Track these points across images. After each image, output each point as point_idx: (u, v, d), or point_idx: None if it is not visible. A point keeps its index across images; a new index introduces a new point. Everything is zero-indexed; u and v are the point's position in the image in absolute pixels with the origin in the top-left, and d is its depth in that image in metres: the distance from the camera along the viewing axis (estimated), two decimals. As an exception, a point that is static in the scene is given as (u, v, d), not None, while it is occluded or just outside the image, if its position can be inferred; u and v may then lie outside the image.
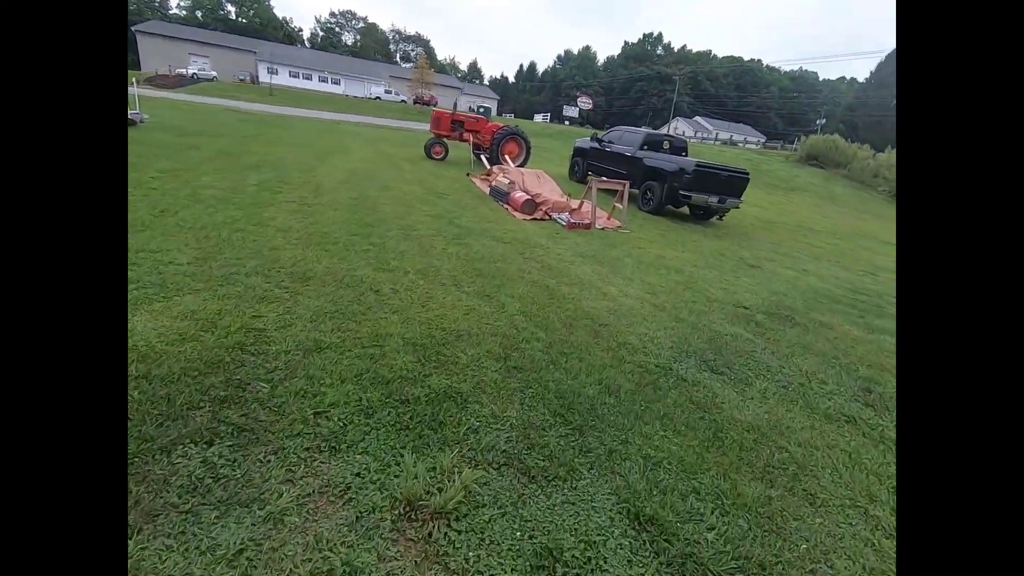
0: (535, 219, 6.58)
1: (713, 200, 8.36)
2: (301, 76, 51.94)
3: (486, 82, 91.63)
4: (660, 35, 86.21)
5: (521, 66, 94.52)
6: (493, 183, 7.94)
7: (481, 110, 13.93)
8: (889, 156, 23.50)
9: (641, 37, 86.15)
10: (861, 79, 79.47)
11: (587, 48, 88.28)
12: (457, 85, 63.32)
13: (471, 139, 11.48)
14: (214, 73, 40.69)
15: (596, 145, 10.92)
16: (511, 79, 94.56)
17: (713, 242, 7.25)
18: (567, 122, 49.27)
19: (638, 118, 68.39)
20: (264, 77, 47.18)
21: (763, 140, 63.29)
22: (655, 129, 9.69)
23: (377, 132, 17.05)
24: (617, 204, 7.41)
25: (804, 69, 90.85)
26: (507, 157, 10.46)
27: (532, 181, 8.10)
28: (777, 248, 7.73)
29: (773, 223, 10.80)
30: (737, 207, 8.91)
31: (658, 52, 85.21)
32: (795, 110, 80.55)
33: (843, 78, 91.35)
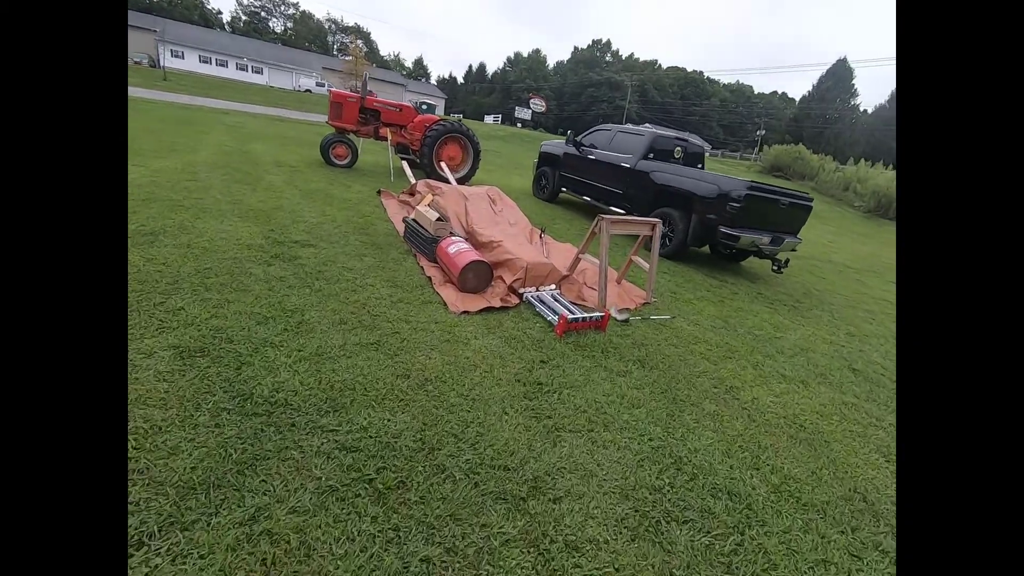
0: (490, 308, 3.07)
1: (765, 241, 5.31)
2: (214, 62, 45.09)
3: (433, 81, 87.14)
4: (609, 42, 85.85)
5: (470, 66, 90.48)
6: (411, 216, 4.35)
7: (424, 107, 10.57)
8: (857, 169, 22.46)
9: (591, 43, 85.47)
10: (791, 94, 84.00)
11: (537, 51, 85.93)
12: (401, 81, 58.57)
13: (391, 137, 7.77)
14: (94, 51, 33.47)
15: (573, 151, 7.62)
16: (460, 79, 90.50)
17: (805, 329, 4.11)
18: (519, 124, 46.23)
19: (589, 123, 66.64)
20: (167, 61, 40.13)
21: (709, 148, 64.00)
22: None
23: (273, 126, 12.76)
24: (635, 258, 4.09)
25: (740, 82, 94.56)
26: (444, 165, 6.89)
27: (483, 213, 4.58)
28: (877, 322, 4.77)
29: (807, 260, 8.05)
30: (794, 250, 5.95)
31: (607, 59, 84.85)
32: (734, 121, 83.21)
33: (775, 92, 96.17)
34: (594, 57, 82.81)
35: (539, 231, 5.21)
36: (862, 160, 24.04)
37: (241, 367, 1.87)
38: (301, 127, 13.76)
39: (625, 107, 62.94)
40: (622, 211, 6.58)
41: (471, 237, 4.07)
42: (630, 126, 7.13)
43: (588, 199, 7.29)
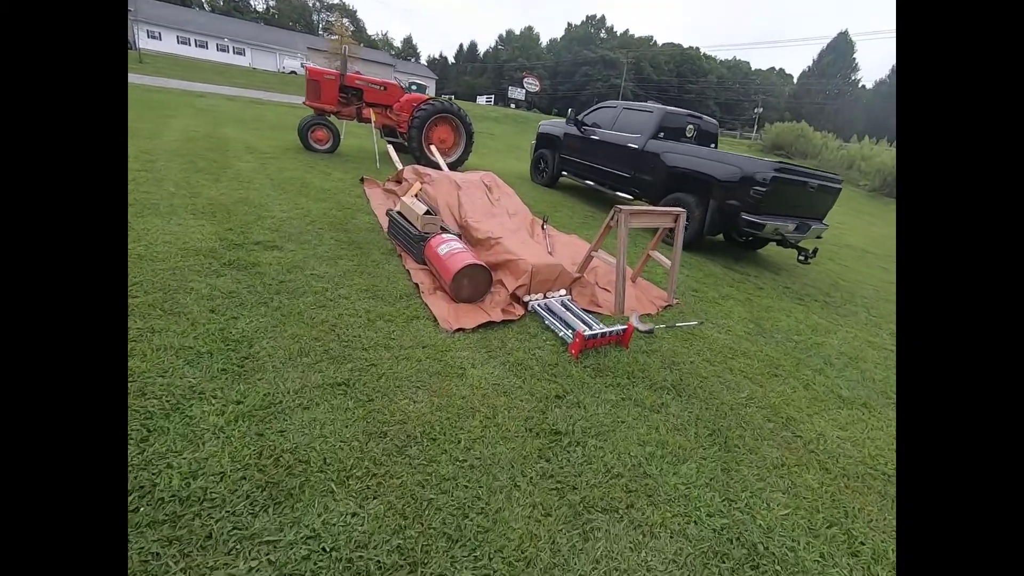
0: (490, 323, 2.55)
1: (790, 228, 4.80)
2: (193, 43, 43.22)
3: (423, 61, 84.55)
4: (603, 18, 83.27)
5: (461, 45, 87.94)
6: (397, 206, 3.79)
7: (414, 87, 9.85)
8: (862, 147, 21.82)
9: (585, 19, 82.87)
10: (788, 70, 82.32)
11: (530, 29, 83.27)
12: (389, 62, 56.58)
13: (375, 118, 7.10)
14: (64, 33, 31.84)
15: (574, 131, 7.00)
16: (451, 59, 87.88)
17: (845, 331, 3.64)
18: (513, 105, 44.81)
19: (584, 103, 64.63)
20: (144, 43, 38.33)
21: (707, 128, 62.49)
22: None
23: (250, 109, 11.93)
24: (654, 253, 3.56)
25: (737, 58, 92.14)
26: (434, 149, 6.27)
27: (478, 203, 4.02)
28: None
29: (823, 245, 7.55)
30: (820, 236, 5.44)
31: (602, 35, 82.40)
32: (731, 98, 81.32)
33: (772, 68, 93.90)
34: (588, 34, 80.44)
35: (541, 221, 4.67)
36: (866, 137, 23.37)
37: (148, 437, 1.35)
38: (282, 109, 12.93)
39: (621, 86, 61.38)
40: (629, 196, 6.03)
41: (465, 232, 3.53)
42: (635, 103, 6.49)
43: (591, 183, 6.71)
